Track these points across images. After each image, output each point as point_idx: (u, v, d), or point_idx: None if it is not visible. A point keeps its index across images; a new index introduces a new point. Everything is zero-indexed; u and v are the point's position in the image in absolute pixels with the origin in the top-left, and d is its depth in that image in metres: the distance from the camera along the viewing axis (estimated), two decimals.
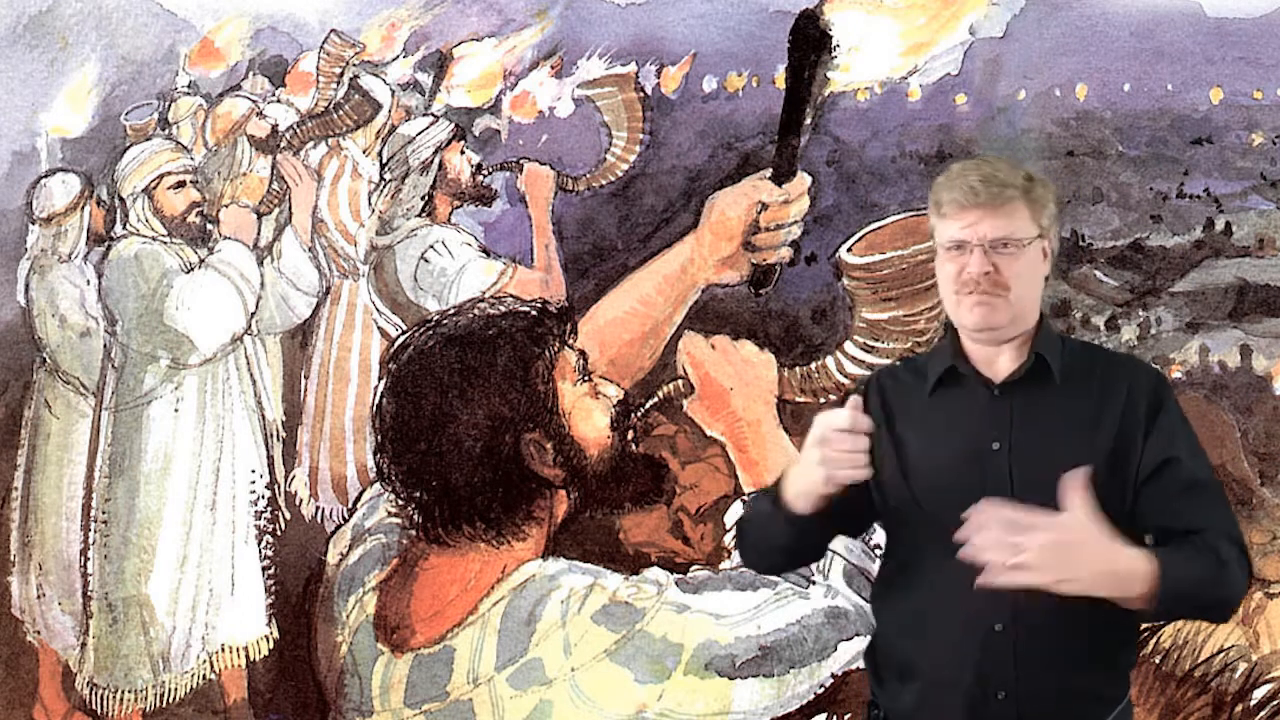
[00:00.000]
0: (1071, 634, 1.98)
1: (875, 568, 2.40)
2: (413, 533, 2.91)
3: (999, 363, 2.05)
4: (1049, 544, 1.78)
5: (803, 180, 3.13)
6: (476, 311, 3.01)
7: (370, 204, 3.66)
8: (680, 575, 2.84)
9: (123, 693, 3.62)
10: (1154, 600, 1.84)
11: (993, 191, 2.00)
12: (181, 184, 3.75)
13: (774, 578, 2.78)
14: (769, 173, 3.12)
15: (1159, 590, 1.83)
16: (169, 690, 3.61)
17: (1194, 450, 2.03)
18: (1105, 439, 2.00)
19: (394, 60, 3.69)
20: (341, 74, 3.71)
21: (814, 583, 2.76)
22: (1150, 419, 2.01)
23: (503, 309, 2.98)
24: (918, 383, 2.12)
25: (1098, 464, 1.97)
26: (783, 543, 2.13)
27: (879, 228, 3.15)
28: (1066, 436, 2.01)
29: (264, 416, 3.73)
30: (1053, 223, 2.07)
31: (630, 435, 2.98)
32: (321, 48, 3.72)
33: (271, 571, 3.66)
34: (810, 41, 3.01)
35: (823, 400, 3.09)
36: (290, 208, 3.76)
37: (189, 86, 3.82)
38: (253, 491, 3.68)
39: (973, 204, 2.00)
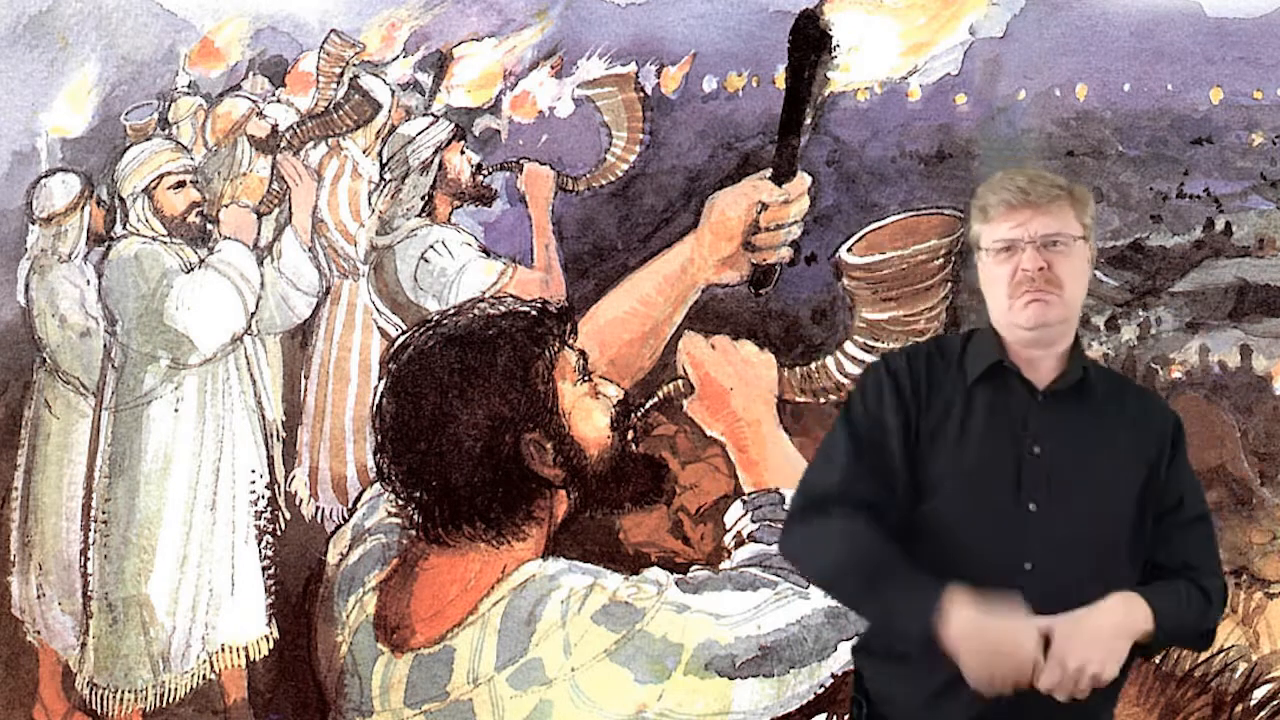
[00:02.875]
0: None
1: None
2: (413, 533, 2.91)
3: (1041, 367, 2.06)
4: (1082, 644, 1.87)
5: (803, 180, 3.12)
6: (476, 311, 3.01)
7: (370, 204, 3.66)
8: (680, 575, 2.83)
9: (123, 693, 3.62)
10: (1153, 639, 1.95)
11: (1040, 190, 2.03)
12: (181, 184, 3.75)
13: (773, 577, 2.78)
14: (769, 173, 3.12)
15: (1157, 630, 1.94)
16: (169, 690, 3.61)
17: (1195, 487, 2.12)
18: (1139, 473, 2.05)
19: (394, 60, 3.69)
20: (341, 74, 3.71)
21: None
22: (1170, 461, 2.07)
23: (503, 309, 2.98)
24: (952, 371, 2.10)
25: (1130, 494, 2.03)
26: (870, 603, 2.05)
27: (879, 228, 3.15)
28: (1104, 450, 2.03)
29: (264, 416, 3.73)
30: (1093, 227, 2.09)
31: (630, 435, 2.97)
32: (321, 48, 3.72)
33: (271, 571, 3.66)
34: (810, 41, 3.01)
35: (822, 400, 3.09)
36: (290, 208, 3.76)
37: (189, 86, 3.82)
38: (253, 491, 3.68)
39: (1022, 203, 2.02)
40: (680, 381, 3.10)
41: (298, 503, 3.69)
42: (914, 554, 2.07)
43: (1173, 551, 2.05)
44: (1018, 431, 2.03)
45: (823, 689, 2.78)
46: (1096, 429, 2.04)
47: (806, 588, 2.74)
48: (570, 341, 2.93)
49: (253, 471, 3.69)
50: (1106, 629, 1.89)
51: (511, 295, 3.28)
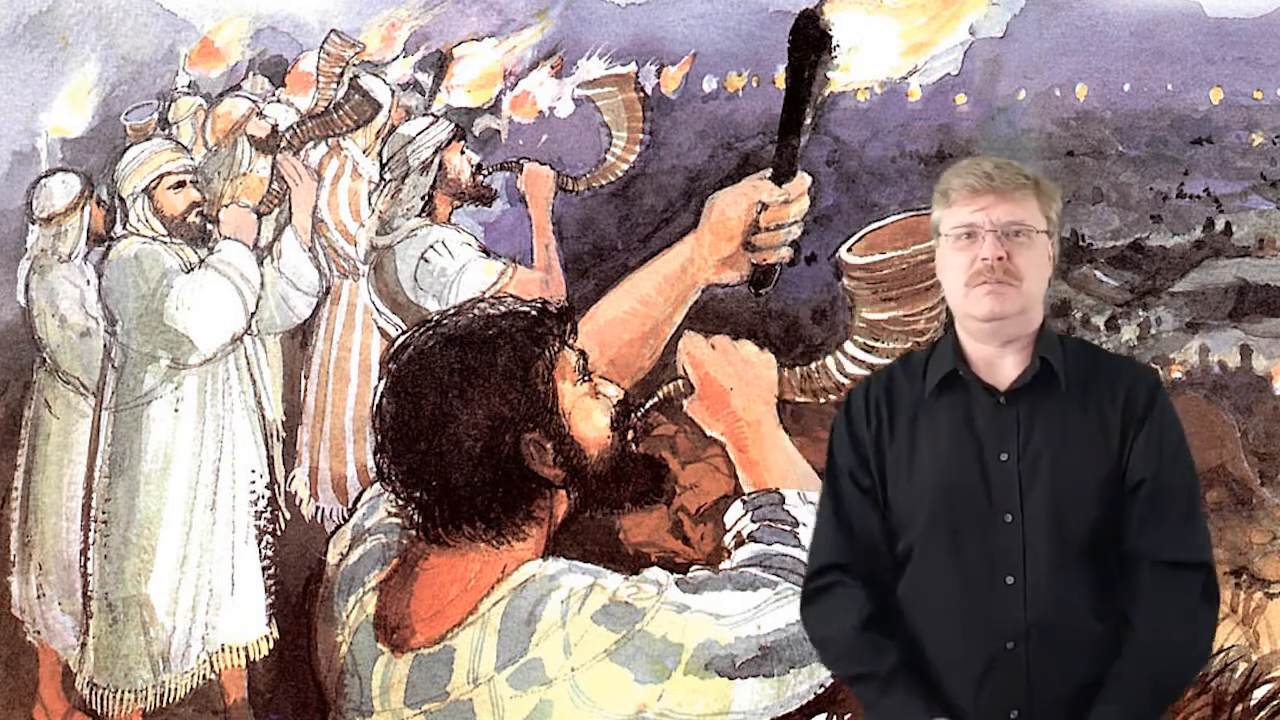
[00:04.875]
0: (1082, 653, 1.95)
1: None
2: (413, 533, 2.91)
3: (1002, 367, 2.01)
4: None
5: (803, 180, 3.13)
6: (476, 311, 3.01)
7: (370, 204, 3.66)
8: (680, 575, 2.84)
9: (123, 693, 3.62)
10: None
11: (1006, 177, 1.99)
12: (181, 184, 3.75)
13: (773, 577, 2.78)
14: (769, 173, 3.12)
15: None
16: (169, 690, 3.61)
17: (1174, 458, 1.99)
18: (1110, 448, 1.98)
19: (394, 60, 3.69)
20: (341, 74, 3.71)
21: None
22: (1139, 427, 1.98)
23: (503, 309, 2.98)
24: (915, 385, 2.07)
25: (1104, 474, 1.96)
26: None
27: (879, 228, 3.15)
28: (1073, 446, 1.97)
29: (264, 416, 3.73)
30: (1058, 224, 2.05)
31: (630, 435, 2.98)
32: (321, 48, 3.72)
33: (271, 571, 3.65)
34: (810, 41, 3.02)
35: (822, 400, 3.09)
36: (290, 208, 3.76)
37: (189, 86, 3.82)
38: (253, 491, 3.68)
39: (986, 189, 1.98)
40: (680, 381, 3.10)
41: (298, 503, 3.69)
42: (902, 577, 2.06)
43: (1141, 538, 1.94)
44: (981, 440, 1.98)
45: (823, 689, 2.78)
46: (1062, 420, 1.98)
47: None
48: (570, 341, 2.93)
49: (253, 471, 3.69)
50: None
51: (511, 295, 3.28)
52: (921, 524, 2.01)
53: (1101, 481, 1.97)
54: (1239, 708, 3.05)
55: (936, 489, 1.99)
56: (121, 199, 3.74)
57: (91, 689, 3.65)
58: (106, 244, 3.77)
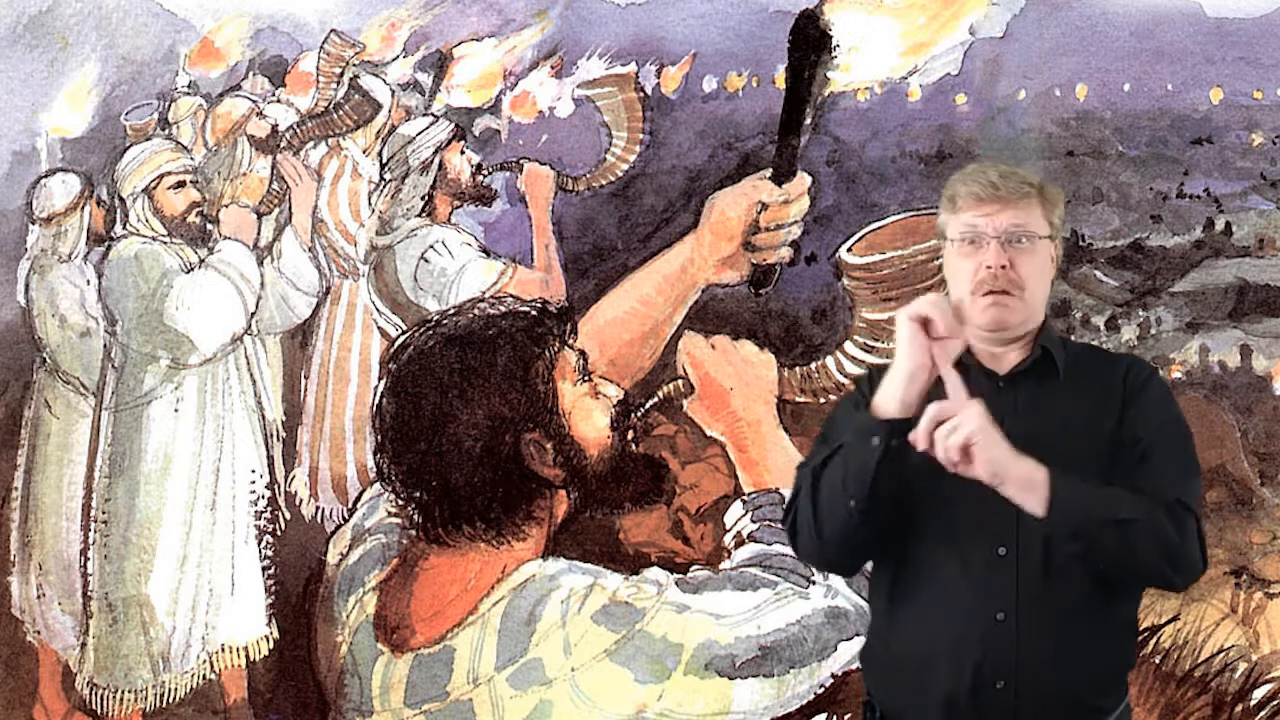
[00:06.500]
0: (1073, 629, 1.98)
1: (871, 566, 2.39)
2: (413, 533, 2.91)
3: (1003, 359, 2.08)
4: (979, 417, 1.86)
5: (803, 180, 3.13)
6: (476, 311, 3.01)
7: (370, 204, 3.66)
8: (680, 575, 2.84)
9: (123, 693, 3.62)
10: (1050, 509, 1.87)
11: (1011, 186, 2.04)
12: (181, 184, 3.75)
13: (773, 577, 2.78)
14: (769, 173, 3.12)
15: (1051, 496, 1.87)
16: (169, 690, 3.61)
17: (1174, 423, 2.04)
18: (1106, 428, 2.02)
19: (394, 60, 3.69)
20: (341, 74, 3.71)
21: (814, 583, 2.76)
22: (1135, 399, 2.04)
23: (503, 309, 2.98)
24: None
25: (1100, 455, 2.00)
26: (863, 492, 1.97)
27: (879, 228, 3.16)
28: (1069, 428, 2.02)
29: (264, 416, 3.73)
30: (1060, 228, 2.11)
31: (630, 435, 2.98)
32: (321, 48, 3.72)
33: (271, 571, 3.66)
34: (810, 41, 3.02)
35: (822, 400, 3.09)
36: (290, 208, 3.76)
37: (189, 86, 3.82)
38: (253, 491, 3.68)
39: (991, 197, 2.03)
40: (680, 381, 3.10)
41: (298, 503, 3.69)
42: (898, 546, 2.08)
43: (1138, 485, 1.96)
44: None
45: (823, 689, 2.78)
46: (1059, 403, 2.04)
47: (806, 588, 2.75)
48: (570, 341, 2.93)
49: (253, 471, 3.69)
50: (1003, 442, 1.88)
51: (511, 295, 3.28)
52: (916, 495, 2.02)
53: (1096, 464, 2.00)
54: (1239, 708, 3.05)
55: (934, 465, 2.00)
56: (121, 199, 3.74)
57: (91, 689, 3.65)
58: (106, 244, 3.77)
